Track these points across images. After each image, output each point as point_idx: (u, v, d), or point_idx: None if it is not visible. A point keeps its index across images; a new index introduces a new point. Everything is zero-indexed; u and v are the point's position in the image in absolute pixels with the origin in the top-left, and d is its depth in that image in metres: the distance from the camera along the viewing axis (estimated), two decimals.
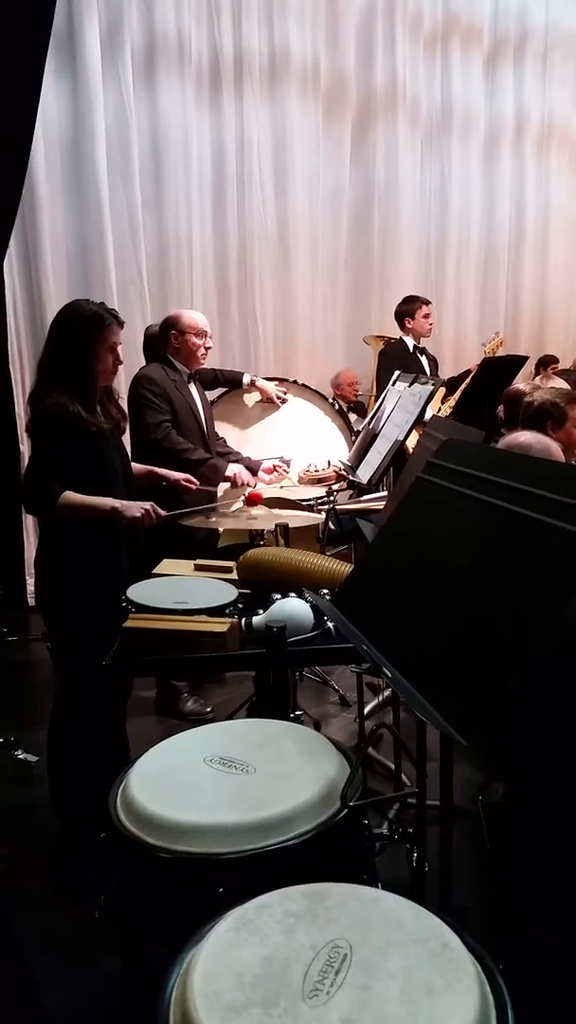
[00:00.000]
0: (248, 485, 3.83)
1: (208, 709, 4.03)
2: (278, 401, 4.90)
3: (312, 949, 1.12)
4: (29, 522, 5.50)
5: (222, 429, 4.69)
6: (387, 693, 3.76)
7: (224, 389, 4.88)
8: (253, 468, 4.12)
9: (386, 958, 1.10)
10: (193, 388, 4.03)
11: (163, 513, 2.90)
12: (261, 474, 4.13)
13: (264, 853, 1.44)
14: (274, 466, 4.25)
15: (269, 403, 4.92)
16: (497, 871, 2.65)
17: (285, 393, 4.96)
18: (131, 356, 4.54)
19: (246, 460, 4.16)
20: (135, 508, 2.80)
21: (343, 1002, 1.04)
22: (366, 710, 3.72)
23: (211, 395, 4.74)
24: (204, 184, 6.44)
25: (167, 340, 3.95)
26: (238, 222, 6.60)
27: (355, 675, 4.21)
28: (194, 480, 3.49)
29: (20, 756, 3.50)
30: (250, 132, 6.53)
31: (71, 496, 2.71)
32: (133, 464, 3.19)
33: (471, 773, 3.12)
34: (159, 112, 6.09)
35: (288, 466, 4.38)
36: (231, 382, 4.81)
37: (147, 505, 2.84)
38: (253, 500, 3.34)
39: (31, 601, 5.37)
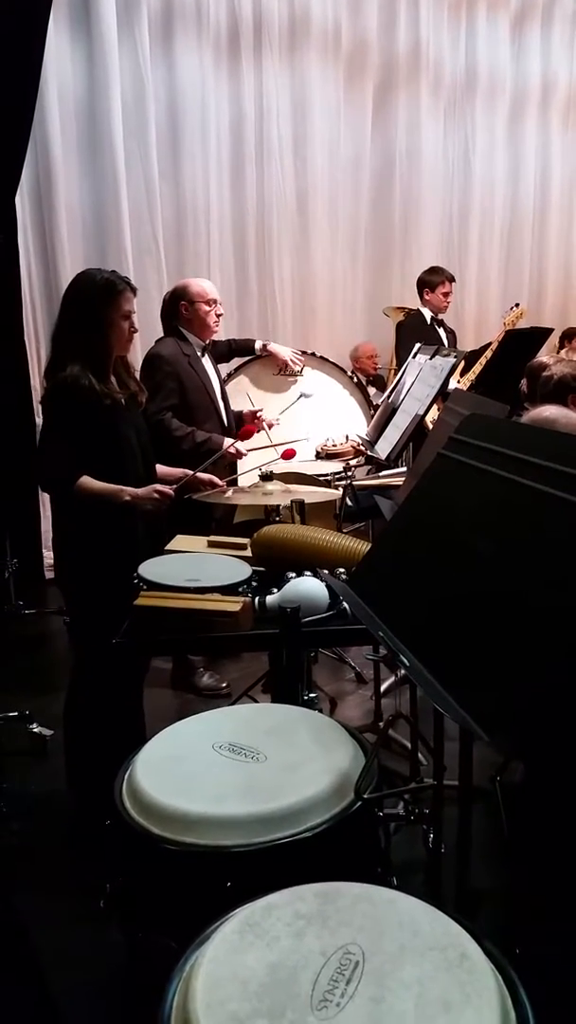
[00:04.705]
0: (241, 454, 3.77)
1: (224, 684, 4.00)
2: (293, 366, 4.80)
3: (322, 955, 1.06)
4: (45, 495, 5.47)
5: (243, 400, 4.61)
6: (404, 672, 3.71)
7: (241, 360, 4.80)
8: (239, 418, 4.09)
9: (400, 967, 1.04)
10: (207, 362, 3.95)
11: (171, 491, 2.86)
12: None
13: (274, 847, 1.39)
14: (252, 413, 4.19)
15: (285, 371, 4.82)
16: (514, 853, 2.61)
17: (302, 358, 4.85)
18: (147, 328, 4.47)
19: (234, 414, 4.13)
20: (146, 500, 2.78)
21: (353, 1015, 0.97)
22: (383, 688, 3.68)
23: (229, 367, 4.66)
24: (222, 152, 6.33)
25: (177, 311, 3.87)
26: (256, 191, 6.50)
27: (366, 654, 4.18)
28: (218, 481, 3.40)
29: (35, 730, 3.49)
30: (269, 99, 6.41)
31: (86, 483, 2.69)
32: (167, 468, 3.16)
33: (489, 752, 3.07)
34: (176, 79, 5.99)
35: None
36: (244, 350, 4.72)
37: (154, 493, 2.81)
38: (248, 432, 3.47)
39: (48, 574, 5.36)
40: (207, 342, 3.95)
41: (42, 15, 4.26)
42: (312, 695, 2.31)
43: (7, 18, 4.04)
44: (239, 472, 3.91)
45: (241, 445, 3.76)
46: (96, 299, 2.71)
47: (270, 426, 4.21)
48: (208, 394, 3.89)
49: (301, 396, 4.53)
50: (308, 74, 6.52)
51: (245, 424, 3.99)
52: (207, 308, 3.85)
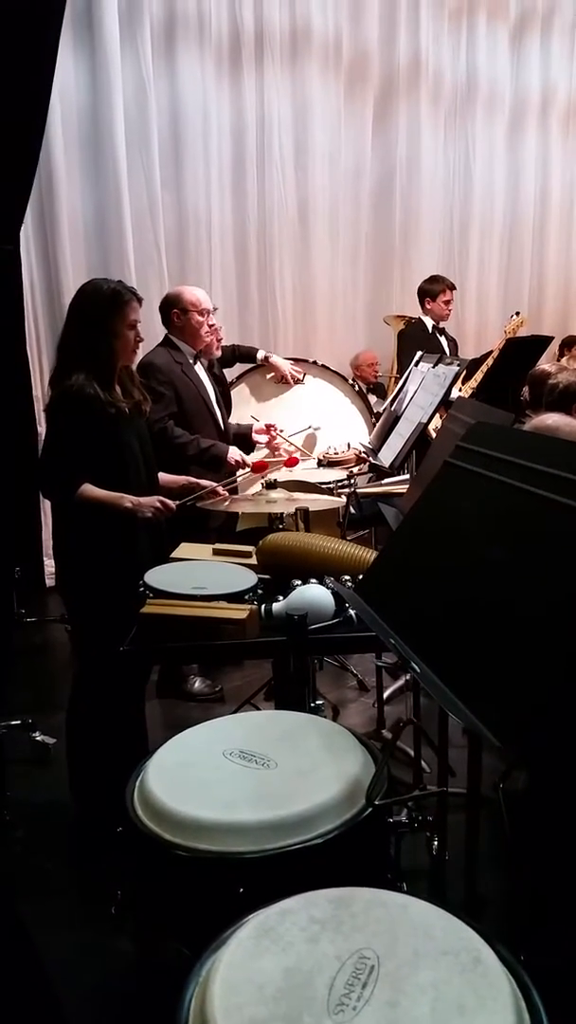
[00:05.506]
0: (246, 465, 3.78)
1: (217, 688, 3.99)
2: (291, 381, 4.83)
3: (337, 959, 1.07)
4: (46, 502, 5.47)
5: (244, 408, 4.62)
6: (407, 678, 3.72)
7: (243, 368, 4.82)
8: (245, 434, 4.09)
9: (415, 971, 1.05)
10: (200, 369, 3.91)
11: (173, 506, 2.87)
12: (256, 437, 4.12)
13: (286, 853, 1.39)
14: (267, 425, 4.21)
15: (283, 382, 4.85)
16: (517, 861, 2.61)
17: (302, 375, 4.88)
18: (148, 336, 4.47)
19: (235, 428, 4.13)
20: (147, 508, 2.80)
21: (370, 1018, 0.98)
22: (385, 695, 3.68)
23: (230, 375, 4.68)
24: (223, 161, 6.35)
25: (169, 319, 3.86)
26: (258, 200, 6.52)
27: (373, 660, 4.19)
28: (221, 491, 3.42)
29: (38, 738, 3.48)
30: (270, 109, 6.43)
31: (88, 490, 2.71)
32: (170, 477, 3.19)
33: (491, 760, 3.07)
34: (178, 88, 6.01)
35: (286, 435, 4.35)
36: (246, 357, 4.74)
37: (156, 503, 2.82)
38: (261, 467, 3.45)
39: (49, 582, 5.36)
40: (198, 350, 3.91)
41: (53, 34, 4.27)
42: (318, 702, 2.32)
43: (17, 34, 4.05)
44: (239, 479, 3.93)
45: (245, 456, 3.79)
46: (103, 309, 2.73)
47: (295, 453, 4.26)
48: (204, 401, 3.87)
49: (310, 428, 4.60)
50: (309, 84, 6.55)
51: (255, 433, 4.05)
52: (200, 318, 3.81)
